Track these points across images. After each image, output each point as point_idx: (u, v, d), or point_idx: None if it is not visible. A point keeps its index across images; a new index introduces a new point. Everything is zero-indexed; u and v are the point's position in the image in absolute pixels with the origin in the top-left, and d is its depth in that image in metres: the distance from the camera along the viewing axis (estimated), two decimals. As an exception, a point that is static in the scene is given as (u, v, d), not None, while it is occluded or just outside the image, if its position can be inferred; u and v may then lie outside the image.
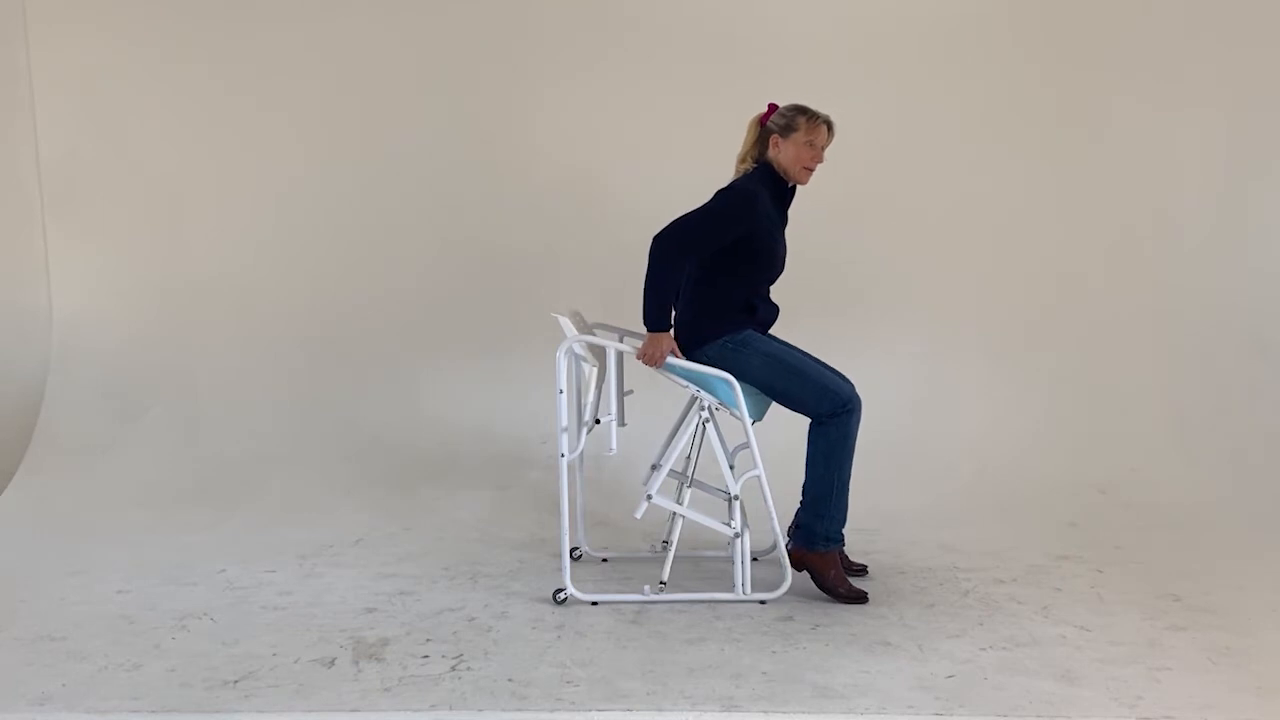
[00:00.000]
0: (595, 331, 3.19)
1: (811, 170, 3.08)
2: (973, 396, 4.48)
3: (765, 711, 2.22)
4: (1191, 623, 2.75)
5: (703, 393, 2.99)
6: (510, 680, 2.41)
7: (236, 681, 2.43)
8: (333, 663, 2.54)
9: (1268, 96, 4.44)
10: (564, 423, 2.94)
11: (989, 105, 4.54)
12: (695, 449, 3.11)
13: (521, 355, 4.51)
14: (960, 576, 3.19)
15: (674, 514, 3.04)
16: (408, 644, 2.66)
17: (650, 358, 2.91)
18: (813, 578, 2.99)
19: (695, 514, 3.00)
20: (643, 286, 2.90)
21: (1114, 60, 4.51)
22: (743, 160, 3.12)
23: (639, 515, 2.94)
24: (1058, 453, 4.29)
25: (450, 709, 2.26)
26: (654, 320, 2.90)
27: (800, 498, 3.04)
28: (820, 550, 2.98)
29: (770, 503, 2.93)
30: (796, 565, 2.99)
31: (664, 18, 4.60)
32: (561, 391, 2.94)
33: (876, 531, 3.72)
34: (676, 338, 2.99)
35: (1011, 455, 4.29)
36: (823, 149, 3.08)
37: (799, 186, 3.15)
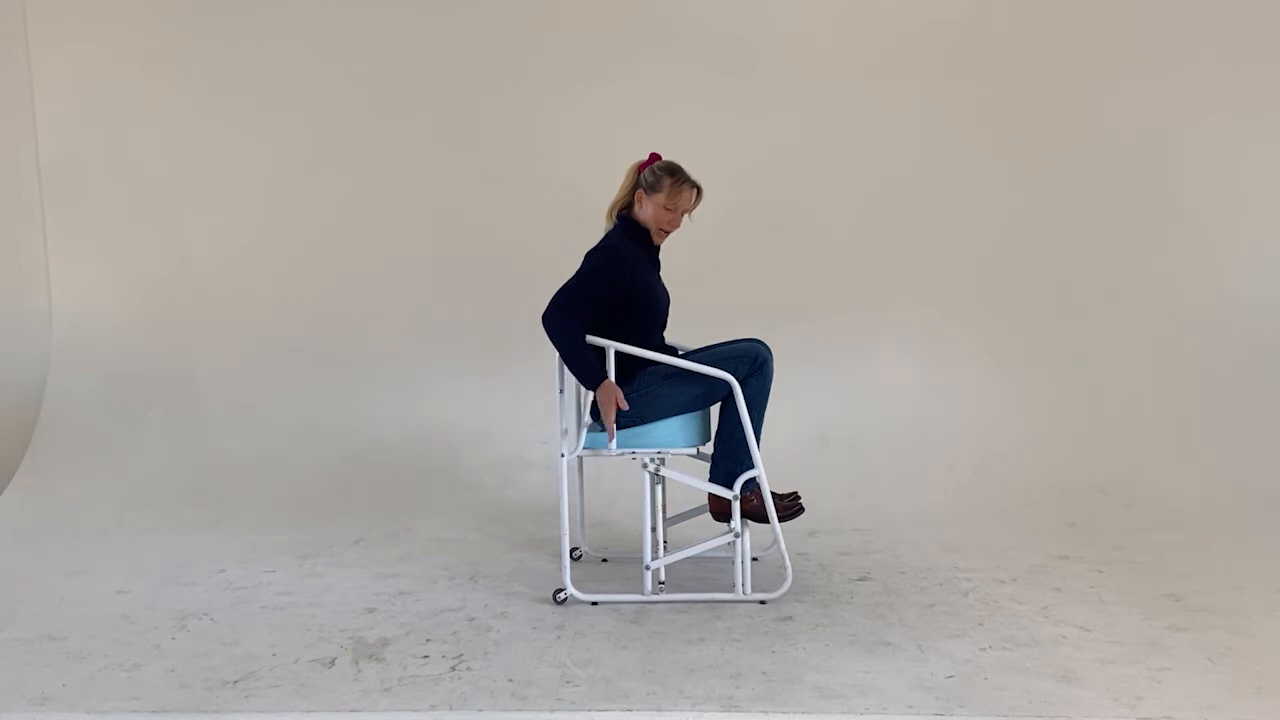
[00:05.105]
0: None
1: (667, 232, 3.08)
2: (973, 396, 4.48)
3: (765, 711, 2.22)
4: (1191, 623, 2.75)
5: (637, 452, 2.99)
6: (510, 680, 2.41)
7: (236, 681, 2.43)
8: (333, 663, 2.54)
9: (1269, 96, 4.44)
10: (563, 423, 2.95)
11: (990, 105, 4.54)
12: (663, 504, 3.12)
13: (521, 355, 4.51)
14: (960, 576, 3.19)
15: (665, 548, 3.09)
16: (408, 644, 2.66)
17: (607, 410, 2.89)
18: (756, 518, 2.97)
19: (697, 548, 3.02)
20: (561, 357, 2.94)
21: (1114, 60, 4.51)
22: (611, 212, 3.13)
23: (649, 591, 2.96)
24: (1058, 453, 4.29)
25: (450, 709, 2.26)
26: (588, 379, 2.90)
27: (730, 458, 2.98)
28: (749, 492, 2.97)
29: (769, 501, 2.92)
30: (760, 516, 2.97)
31: (662, 26, 4.61)
32: (561, 392, 2.94)
33: (876, 531, 3.72)
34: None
35: (1011, 455, 4.29)
36: (684, 213, 3.07)
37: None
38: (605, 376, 2.90)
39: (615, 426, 2.91)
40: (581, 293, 2.92)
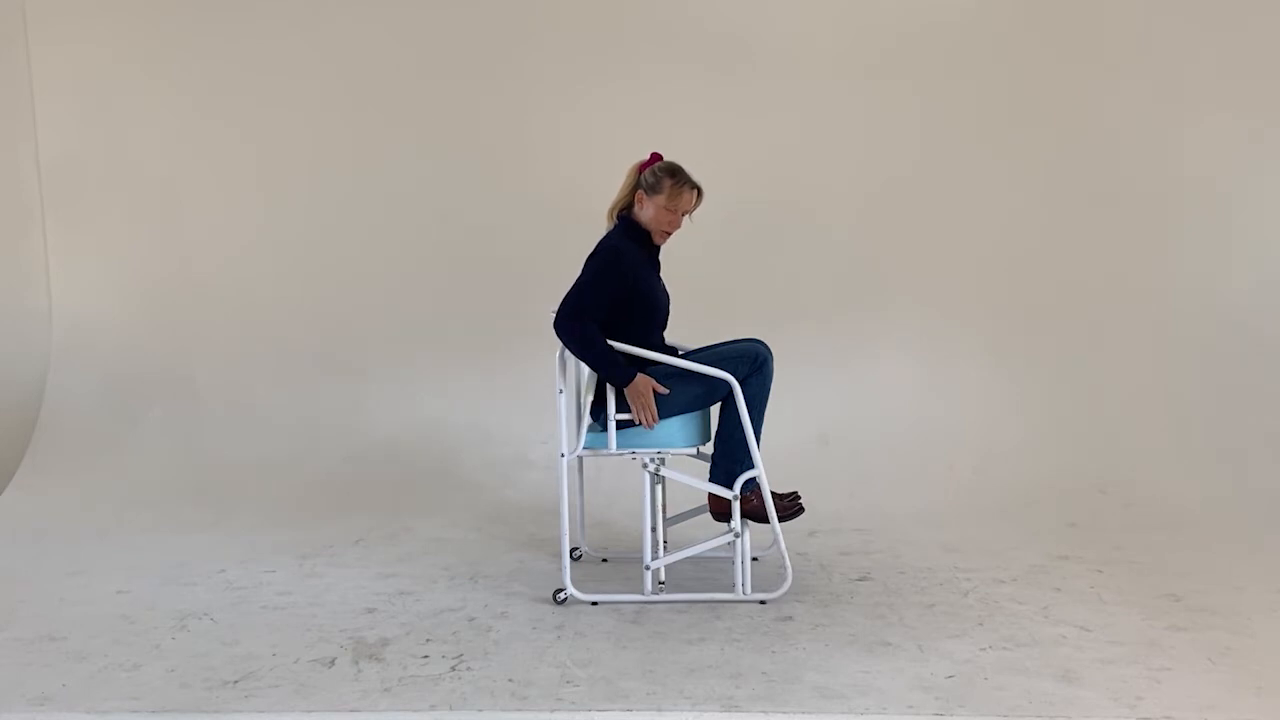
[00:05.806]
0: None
1: (668, 234, 3.08)
2: (973, 396, 4.48)
3: (765, 711, 2.22)
4: (1191, 623, 2.75)
5: (638, 451, 2.98)
6: (510, 680, 2.41)
7: (236, 681, 2.43)
8: (333, 663, 2.54)
9: (1269, 96, 4.44)
10: (564, 423, 2.95)
11: (990, 106, 4.54)
12: (663, 504, 3.12)
13: (521, 355, 4.51)
14: (960, 576, 3.19)
15: (664, 547, 3.09)
16: (408, 644, 2.66)
17: (643, 407, 2.88)
18: (756, 518, 2.97)
19: (697, 548, 3.02)
20: (586, 364, 2.93)
21: (1114, 61, 4.51)
22: (611, 213, 3.12)
23: (649, 591, 2.96)
24: (1058, 453, 4.29)
25: (450, 709, 2.26)
26: (617, 377, 2.89)
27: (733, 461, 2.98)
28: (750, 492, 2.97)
29: (769, 501, 2.92)
30: (760, 516, 2.97)
31: (662, 26, 4.61)
32: (561, 391, 2.94)
33: (876, 531, 3.72)
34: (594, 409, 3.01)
35: (1011, 455, 4.29)
36: (684, 214, 3.06)
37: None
38: (635, 371, 2.89)
39: (643, 418, 2.89)
40: (589, 296, 2.91)
